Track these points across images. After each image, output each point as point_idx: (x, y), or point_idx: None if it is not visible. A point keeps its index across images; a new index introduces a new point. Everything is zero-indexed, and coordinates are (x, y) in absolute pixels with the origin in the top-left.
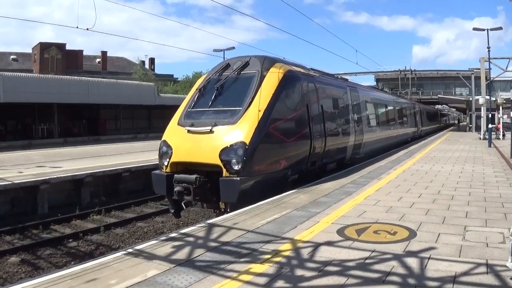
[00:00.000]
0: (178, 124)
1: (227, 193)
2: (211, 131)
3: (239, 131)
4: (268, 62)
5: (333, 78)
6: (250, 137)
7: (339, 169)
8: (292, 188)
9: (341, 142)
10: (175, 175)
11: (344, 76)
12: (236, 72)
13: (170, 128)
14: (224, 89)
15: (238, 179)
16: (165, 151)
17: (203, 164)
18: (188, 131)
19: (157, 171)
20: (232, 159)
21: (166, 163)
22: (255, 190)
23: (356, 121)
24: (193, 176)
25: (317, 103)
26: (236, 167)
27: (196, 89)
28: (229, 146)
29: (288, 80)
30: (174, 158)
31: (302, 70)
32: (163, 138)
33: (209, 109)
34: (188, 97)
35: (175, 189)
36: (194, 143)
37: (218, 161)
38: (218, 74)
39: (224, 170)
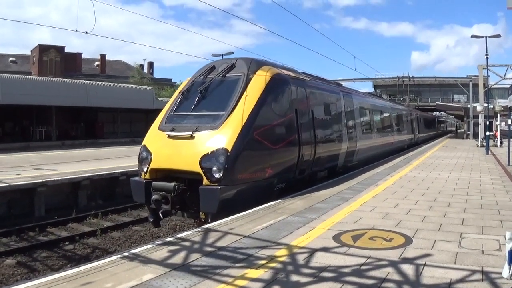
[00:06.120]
0: (159, 128)
1: (207, 202)
2: (191, 137)
3: (221, 136)
4: (255, 65)
5: (325, 82)
6: (232, 143)
7: (330, 177)
8: (279, 198)
9: (332, 149)
10: (153, 182)
11: (342, 83)
12: (221, 75)
13: (151, 132)
14: (208, 93)
15: (219, 188)
16: (145, 157)
17: (183, 171)
18: (168, 136)
19: (136, 178)
20: (213, 166)
21: (145, 169)
22: (237, 199)
23: (349, 128)
24: (172, 184)
25: (307, 108)
26: (217, 175)
27: (179, 92)
28: (210, 152)
29: (276, 84)
30: (153, 165)
31: (291, 74)
32: (143, 143)
33: (191, 113)
34: (171, 101)
35: (152, 198)
36: (174, 149)
37: (198, 169)
38: (202, 76)
39: (205, 178)
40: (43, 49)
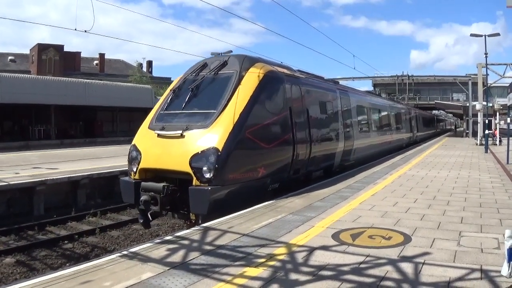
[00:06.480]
0: (149, 127)
1: (196, 203)
2: (181, 136)
3: (212, 135)
4: (248, 62)
5: (322, 80)
6: (223, 142)
7: (327, 177)
8: (273, 198)
9: (328, 148)
10: (142, 182)
11: (341, 81)
12: (213, 72)
13: (141, 131)
14: (199, 90)
15: (209, 188)
16: (134, 156)
17: (173, 172)
18: (158, 135)
19: (126, 178)
20: (203, 166)
21: (135, 169)
22: (228, 200)
23: (346, 126)
24: (161, 185)
25: (302, 107)
26: (207, 175)
27: (171, 90)
28: (200, 152)
29: (269, 81)
30: (142, 164)
31: (286, 71)
32: (132, 142)
33: (182, 111)
34: (162, 99)
35: (141, 198)
36: (164, 148)
37: (188, 169)
38: (194, 74)
39: (195, 178)
40: (42, 48)
